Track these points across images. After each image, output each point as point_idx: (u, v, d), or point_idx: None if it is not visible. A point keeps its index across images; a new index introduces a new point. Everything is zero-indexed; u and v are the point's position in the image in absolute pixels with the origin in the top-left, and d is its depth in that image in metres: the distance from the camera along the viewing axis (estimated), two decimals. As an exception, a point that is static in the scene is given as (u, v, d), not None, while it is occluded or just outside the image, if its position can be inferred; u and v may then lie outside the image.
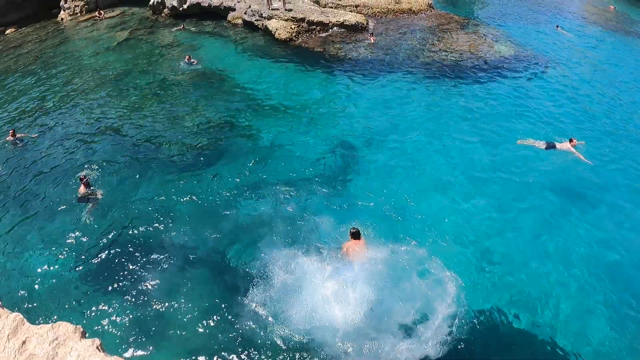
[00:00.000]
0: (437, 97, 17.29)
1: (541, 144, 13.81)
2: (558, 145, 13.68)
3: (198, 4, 25.77)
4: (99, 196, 11.49)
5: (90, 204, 11.27)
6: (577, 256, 9.97)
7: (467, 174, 12.63)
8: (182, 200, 11.34)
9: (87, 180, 11.50)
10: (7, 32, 29.82)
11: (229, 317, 8.39)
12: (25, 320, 4.59)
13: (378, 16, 26.61)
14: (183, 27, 25.00)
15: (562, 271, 9.58)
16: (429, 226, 10.52)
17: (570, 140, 13.61)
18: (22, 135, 14.65)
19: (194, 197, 11.42)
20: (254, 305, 8.47)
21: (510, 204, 11.48)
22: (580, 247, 10.21)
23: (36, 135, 14.77)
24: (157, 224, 10.61)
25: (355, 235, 9.48)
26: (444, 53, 21.76)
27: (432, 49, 22.23)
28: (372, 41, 22.58)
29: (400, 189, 11.82)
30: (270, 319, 8.21)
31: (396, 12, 27.45)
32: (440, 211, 11.13)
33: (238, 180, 12.13)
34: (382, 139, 14.24)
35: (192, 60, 19.98)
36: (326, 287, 8.53)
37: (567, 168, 13.10)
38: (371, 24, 24.97)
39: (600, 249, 10.18)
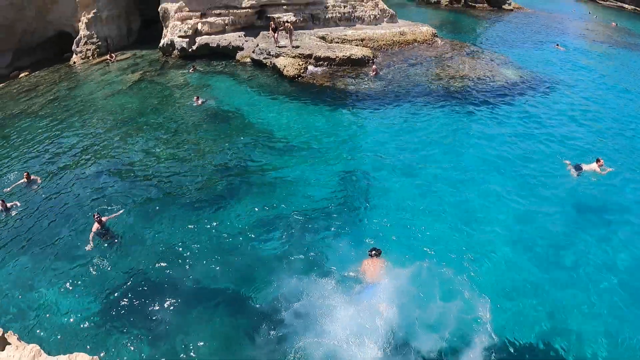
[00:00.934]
0: (447, 123, 17.40)
1: (570, 166, 13.75)
2: (585, 167, 13.57)
3: (207, 44, 26.28)
4: (113, 234, 11.49)
5: (105, 241, 11.26)
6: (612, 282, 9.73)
7: (486, 196, 12.61)
8: (196, 237, 11.28)
9: (100, 218, 11.51)
10: (21, 75, 30.58)
11: (246, 353, 8.21)
12: (42, 351, 4.50)
13: (384, 49, 26.96)
14: (194, 68, 25.27)
15: (602, 297, 9.34)
16: (451, 247, 10.44)
17: (597, 161, 13.50)
18: (37, 177, 14.73)
19: (208, 235, 11.35)
20: (270, 340, 8.32)
21: (541, 228, 11.36)
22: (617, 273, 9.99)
23: (48, 178, 14.86)
24: (171, 261, 10.54)
25: (374, 253, 9.48)
26: (451, 80, 21.97)
27: (439, 77, 22.47)
28: (374, 73, 22.82)
29: (417, 213, 11.82)
30: (287, 355, 8.00)
31: (401, 43, 27.85)
32: (462, 232, 11.05)
33: (251, 215, 12.08)
34: (394, 167, 14.27)
35: (201, 100, 20.17)
36: (347, 316, 8.33)
37: (597, 189, 13.07)
38: (378, 57, 25.29)
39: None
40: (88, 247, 11.11)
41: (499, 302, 8.95)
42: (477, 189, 12.95)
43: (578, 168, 13.58)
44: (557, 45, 31.48)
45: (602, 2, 62.88)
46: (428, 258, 9.91)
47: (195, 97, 20.30)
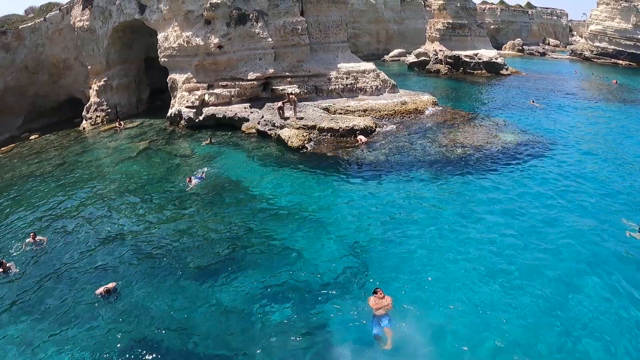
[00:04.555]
0: (455, 190, 17.61)
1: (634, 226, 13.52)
2: None
3: (213, 115, 27.00)
4: (115, 299, 11.64)
5: (106, 306, 11.39)
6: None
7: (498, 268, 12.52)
8: (198, 305, 11.33)
9: (107, 289, 11.72)
10: (32, 137, 31.33)
11: None
12: None
13: (386, 118, 27.62)
14: (210, 141, 25.33)
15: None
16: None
17: None
18: (42, 238, 14.95)
19: (210, 303, 11.40)
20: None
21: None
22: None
23: (54, 240, 15.03)
24: (172, 328, 10.58)
25: (377, 291, 10.46)
26: (452, 148, 22.39)
27: (441, 145, 22.89)
28: (363, 141, 23.22)
29: (422, 279, 11.97)
30: None
31: (403, 112, 28.55)
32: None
33: (252, 283, 12.13)
34: (400, 233, 14.31)
35: (194, 181, 19.39)
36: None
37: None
38: (378, 127, 25.77)
39: None
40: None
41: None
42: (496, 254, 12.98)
43: None
44: (532, 101, 32.68)
45: (596, 60, 65.04)
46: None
47: (187, 178, 19.52)
